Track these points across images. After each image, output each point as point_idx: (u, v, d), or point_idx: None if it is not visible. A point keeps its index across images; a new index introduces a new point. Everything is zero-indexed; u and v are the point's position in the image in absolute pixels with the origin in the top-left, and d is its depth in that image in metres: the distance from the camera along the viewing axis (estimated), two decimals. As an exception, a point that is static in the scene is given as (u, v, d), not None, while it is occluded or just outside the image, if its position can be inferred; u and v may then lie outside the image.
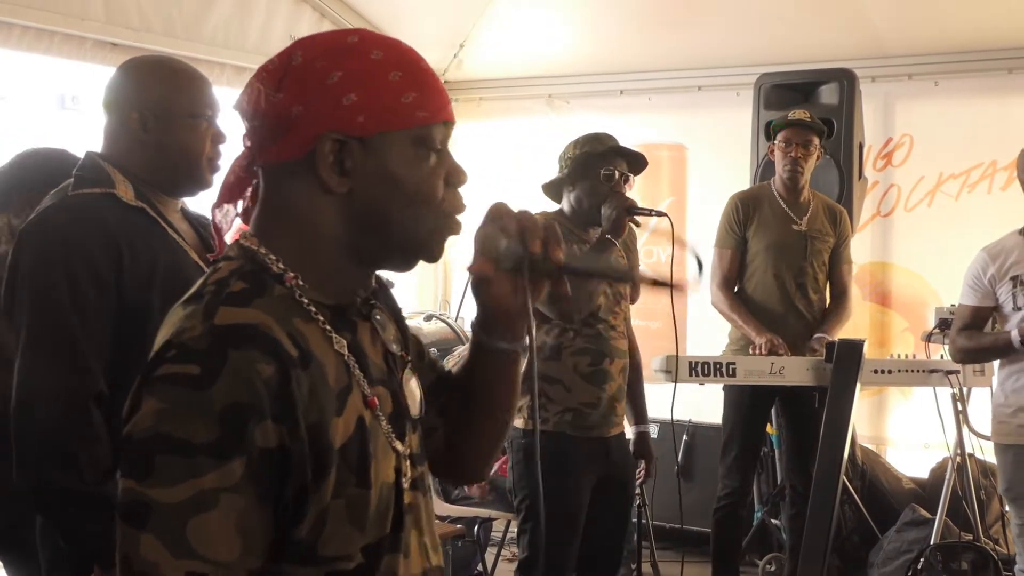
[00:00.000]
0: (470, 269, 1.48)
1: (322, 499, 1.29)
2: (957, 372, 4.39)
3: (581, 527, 3.64)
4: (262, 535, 1.25)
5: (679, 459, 6.26)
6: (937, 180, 6.15)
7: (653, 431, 6.36)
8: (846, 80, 5.44)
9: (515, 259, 1.44)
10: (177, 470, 1.21)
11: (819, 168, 5.24)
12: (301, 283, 1.35)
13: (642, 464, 4.05)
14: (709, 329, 5.91)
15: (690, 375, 4.34)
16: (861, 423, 6.15)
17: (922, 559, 4.78)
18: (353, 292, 1.42)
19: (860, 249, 6.13)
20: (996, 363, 4.31)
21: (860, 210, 5.70)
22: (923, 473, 6.01)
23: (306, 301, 1.35)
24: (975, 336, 3.96)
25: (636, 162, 3.84)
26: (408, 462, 1.44)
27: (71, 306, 2.23)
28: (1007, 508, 4.49)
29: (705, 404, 5.79)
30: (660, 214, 3.77)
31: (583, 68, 6.97)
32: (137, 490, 1.22)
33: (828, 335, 4.71)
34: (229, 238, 1.47)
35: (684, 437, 6.27)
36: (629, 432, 4.04)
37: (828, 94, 5.52)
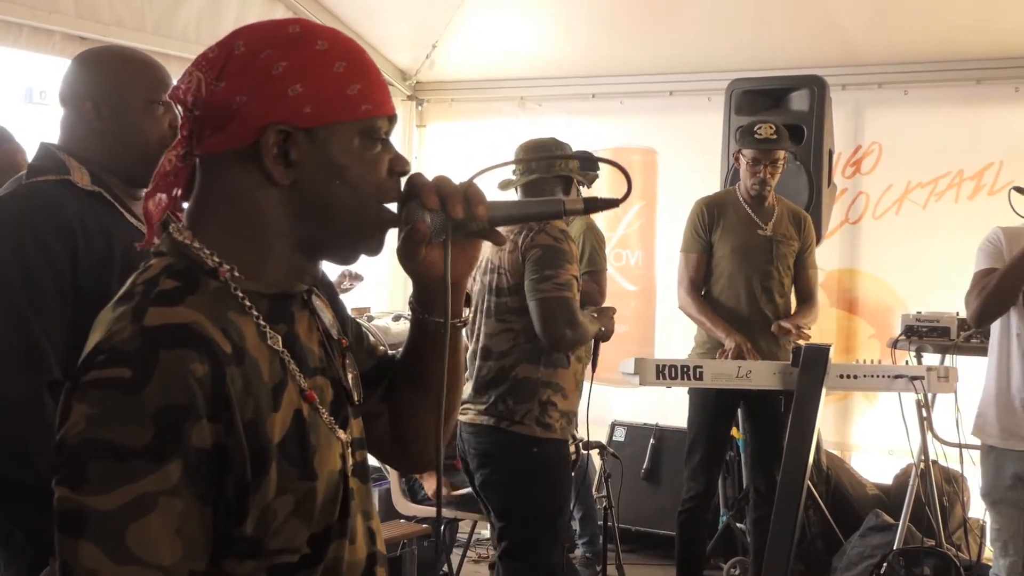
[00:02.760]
0: (398, 250, 1.46)
1: (265, 496, 1.28)
2: (922, 378, 4.41)
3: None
4: (203, 536, 1.24)
5: (646, 463, 6.29)
6: (905, 188, 6.20)
7: (620, 434, 6.41)
8: (817, 87, 5.47)
9: (442, 229, 1.44)
10: (112, 476, 1.19)
11: (788, 174, 5.27)
12: (237, 275, 1.34)
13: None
14: (676, 333, 5.94)
15: (657, 378, 4.34)
16: (826, 429, 6.18)
17: (885, 564, 4.80)
18: (295, 281, 1.41)
19: (828, 256, 6.18)
20: (959, 370, 4.35)
21: (829, 217, 5.73)
22: (887, 479, 6.05)
23: (241, 294, 1.33)
24: (991, 279, 3.74)
25: (586, 162, 4.04)
26: (350, 449, 1.43)
27: (24, 293, 2.20)
28: (970, 514, 4.51)
29: (671, 408, 5.82)
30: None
31: (555, 71, 6.98)
32: (72, 498, 1.20)
33: (798, 322, 4.74)
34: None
35: (651, 440, 6.29)
36: None
37: (799, 100, 5.54)
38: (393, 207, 1.44)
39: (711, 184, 5.61)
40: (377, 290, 7.13)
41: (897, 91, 6.21)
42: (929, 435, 5.00)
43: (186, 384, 1.21)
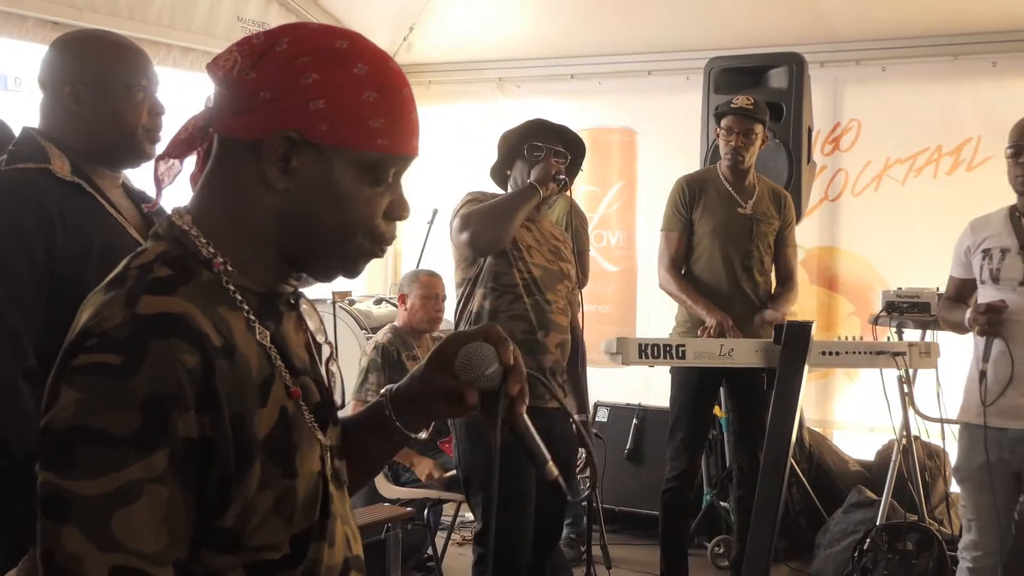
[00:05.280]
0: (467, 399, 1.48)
1: (247, 490, 1.27)
2: (904, 354, 4.42)
3: (533, 498, 3.63)
4: (187, 526, 1.24)
5: (629, 443, 6.30)
6: (884, 165, 6.22)
7: (603, 415, 6.41)
8: (795, 64, 5.47)
9: (488, 388, 1.48)
10: (99, 462, 1.18)
11: (768, 152, 5.27)
12: (229, 268, 1.34)
13: (581, 452, 4.04)
14: (658, 313, 5.94)
15: (640, 357, 4.32)
16: (808, 407, 6.20)
17: (868, 539, 4.82)
18: (281, 283, 1.41)
19: (808, 234, 6.19)
20: (940, 345, 4.37)
21: (809, 194, 5.74)
22: (869, 455, 6.08)
23: (232, 288, 1.33)
24: (949, 308, 4.02)
25: (570, 142, 3.89)
26: (329, 454, 1.43)
27: (1, 281, 2.19)
28: (952, 489, 4.53)
29: (654, 387, 5.83)
30: (566, 187, 3.85)
31: (533, 52, 6.96)
32: (58, 483, 1.19)
33: (776, 311, 4.74)
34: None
35: (634, 421, 6.30)
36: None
37: (777, 78, 5.54)
38: (380, 245, 1.44)
39: (691, 163, 5.61)
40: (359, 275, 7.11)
41: (875, 67, 6.22)
42: (911, 411, 5.02)
43: (175, 374, 1.20)
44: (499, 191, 3.91)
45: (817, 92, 5.96)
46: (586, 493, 5.14)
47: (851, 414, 6.30)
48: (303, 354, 1.44)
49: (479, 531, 3.82)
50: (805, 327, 4.25)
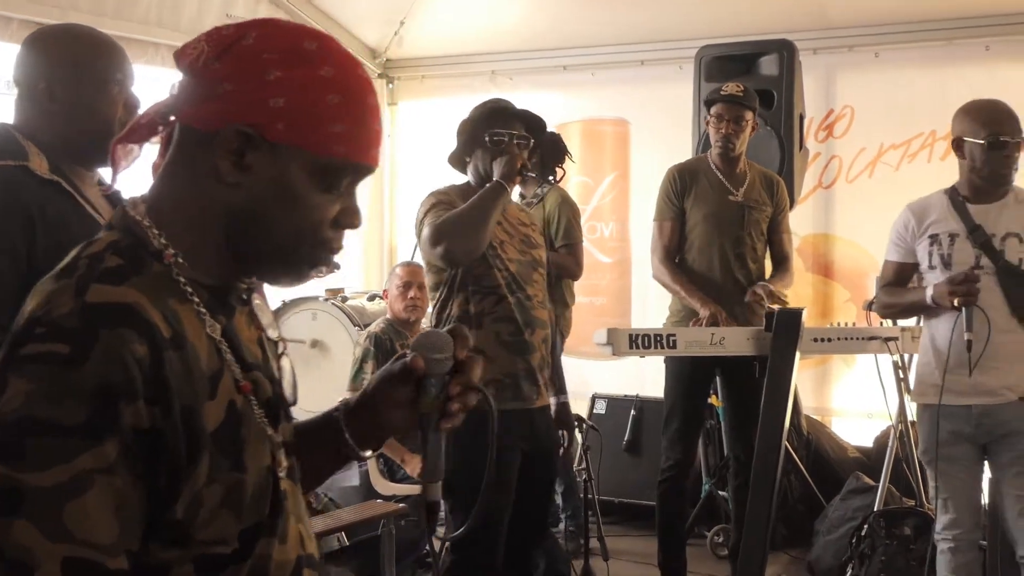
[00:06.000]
0: (411, 361, 1.49)
1: (196, 482, 1.26)
2: (896, 339, 4.41)
3: (511, 502, 3.57)
4: (139, 516, 1.23)
5: (627, 434, 6.29)
6: (878, 151, 6.19)
7: (601, 407, 6.40)
8: (786, 51, 5.44)
9: (434, 372, 1.48)
10: (49, 453, 1.17)
11: (760, 139, 5.25)
12: (180, 261, 1.33)
13: (563, 434, 3.98)
14: (653, 304, 5.93)
15: (630, 347, 4.32)
16: (806, 394, 6.19)
17: (865, 525, 4.81)
18: (233, 277, 1.40)
19: (802, 221, 6.17)
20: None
21: (802, 181, 5.71)
22: (867, 442, 6.07)
23: (183, 280, 1.32)
24: (895, 292, 3.96)
25: (532, 123, 3.72)
26: (282, 450, 1.42)
27: None
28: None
29: (651, 378, 5.81)
30: (548, 182, 3.74)
31: (526, 44, 6.94)
32: (7, 475, 1.17)
33: (770, 284, 4.72)
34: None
35: (632, 412, 6.30)
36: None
37: (768, 65, 5.51)
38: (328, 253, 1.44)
39: (684, 153, 5.58)
40: (352, 271, 7.10)
41: (868, 53, 6.19)
42: (907, 396, 5.00)
43: (125, 363, 1.19)
44: (461, 177, 3.79)
45: (810, 79, 5.93)
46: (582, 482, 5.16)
47: (849, 401, 6.28)
48: (255, 349, 1.43)
49: (455, 537, 3.67)
50: (796, 314, 4.24)
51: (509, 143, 3.60)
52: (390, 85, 7.42)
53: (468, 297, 3.58)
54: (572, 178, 6.79)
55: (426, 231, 3.53)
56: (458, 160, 3.77)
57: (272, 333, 1.49)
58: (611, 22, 6.60)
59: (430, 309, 3.71)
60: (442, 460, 1.53)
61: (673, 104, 6.18)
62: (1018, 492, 3.76)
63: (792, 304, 4.88)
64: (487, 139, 3.61)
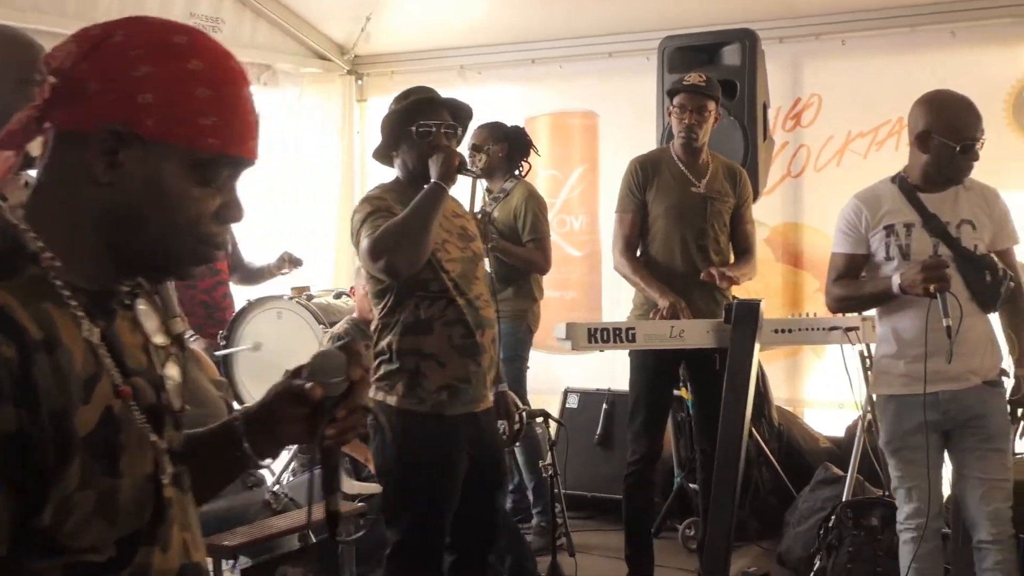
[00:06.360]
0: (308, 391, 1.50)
1: (65, 487, 1.25)
2: (857, 329, 4.38)
3: (455, 507, 3.51)
4: (6, 521, 1.21)
5: (599, 428, 6.27)
6: (846, 139, 6.17)
7: (573, 401, 6.38)
8: (748, 40, 5.41)
9: (330, 394, 1.51)
10: None
11: (724, 130, 5.22)
12: (58, 264, 1.31)
13: (504, 425, 3.93)
14: (623, 297, 5.88)
15: (589, 342, 4.29)
16: (778, 385, 6.17)
17: (833, 517, 4.78)
18: (114, 281, 1.39)
19: (771, 211, 6.15)
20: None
21: (767, 171, 5.68)
22: (840, 432, 6.04)
23: (60, 283, 1.30)
24: (851, 284, 3.90)
25: (459, 112, 3.61)
26: (167, 457, 1.40)
27: None
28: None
29: (622, 372, 5.77)
30: (479, 175, 3.65)
31: (493, 38, 6.92)
32: None
33: (727, 270, 4.69)
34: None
35: (604, 406, 6.27)
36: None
37: (731, 55, 5.49)
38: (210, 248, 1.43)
39: (651, 145, 5.55)
40: (322, 268, 7.08)
41: (834, 41, 6.17)
42: (873, 385, 4.98)
43: None
44: (389, 172, 3.72)
45: (777, 68, 5.91)
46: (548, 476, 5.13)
47: (820, 391, 6.26)
48: (139, 355, 1.41)
49: (397, 543, 3.62)
50: (754, 305, 4.22)
51: (437, 133, 3.49)
52: (359, 82, 7.40)
53: (417, 303, 3.49)
54: (541, 172, 6.76)
55: (365, 244, 3.41)
56: (384, 155, 3.67)
57: (159, 339, 1.47)
58: (578, 14, 6.57)
59: (376, 315, 3.59)
60: (340, 473, 1.59)
61: (642, 96, 6.14)
62: (980, 475, 3.76)
63: (762, 294, 4.85)
64: (414, 131, 3.50)
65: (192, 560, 1.44)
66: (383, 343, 3.52)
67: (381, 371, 3.52)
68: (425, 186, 3.46)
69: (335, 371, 1.51)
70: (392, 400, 3.48)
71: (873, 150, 6.08)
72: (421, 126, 3.50)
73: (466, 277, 3.56)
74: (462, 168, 3.51)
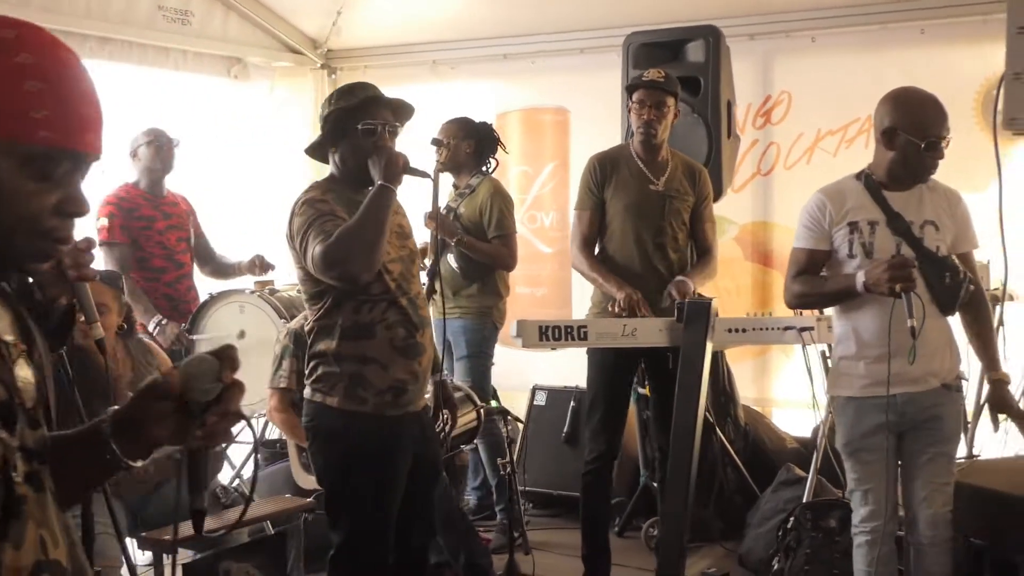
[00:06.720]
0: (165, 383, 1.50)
1: None
2: (812, 329, 4.34)
3: (398, 506, 3.48)
4: None
5: (566, 426, 6.23)
6: (815, 137, 6.14)
7: (541, 398, 6.34)
8: (711, 37, 5.37)
9: (200, 399, 1.51)
10: None
11: (687, 127, 5.18)
12: None
13: (445, 414, 3.90)
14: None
15: (540, 339, 4.26)
16: (745, 385, 6.13)
17: (792, 518, 4.75)
18: None
19: (741, 209, 6.11)
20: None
21: (732, 169, 5.64)
22: (808, 432, 6.00)
23: None
24: (812, 281, 3.84)
25: (401, 111, 3.56)
26: (19, 455, 1.38)
27: None
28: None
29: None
30: (426, 175, 3.60)
31: (467, 33, 6.88)
32: None
33: (688, 280, 4.65)
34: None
35: (572, 403, 6.23)
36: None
37: (695, 52, 5.44)
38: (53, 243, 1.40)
39: (620, 141, 5.51)
40: (285, 261, 7.03)
41: (804, 39, 6.14)
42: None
43: None
44: (323, 168, 3.69)
45: (747, 65, 5.87)
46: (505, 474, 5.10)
47: (789, 391, 6.21)
48: None
49: (341, 545, 3.58)
50: (705, 305, 4.18)
51: (381, 133, 3.44)
52: (332, 76, 7.35)
53: (357, 307, 3.43)
54: (512, 168, 6.73)
55: (317, 251, 3.31)
56: (318, 150, 3.62)
57: (9, 337, 1.44)
58: (551, 10, 6.54)
59: (312, 318, 3.52)
60: (207, 474, 1.60)
61: (613, 93, 6.07)
62: (927, 478, 3.74)
63: (732, 294, 4.82)
64: (359, 129, 3.44)
65: (49, 557, 1.42)
66: (320, 346, 3.48)
67: (319, 372, 3.48)
68: (369, 188, 3.39)
69: (207, 376, 1.51)
70: (333, 401, 3.44)
71: (843, 148, 6.05)
72: (366, 124, 3.44)
73: (406, 276, 3.53)
74: (407, 168, 3.45)
